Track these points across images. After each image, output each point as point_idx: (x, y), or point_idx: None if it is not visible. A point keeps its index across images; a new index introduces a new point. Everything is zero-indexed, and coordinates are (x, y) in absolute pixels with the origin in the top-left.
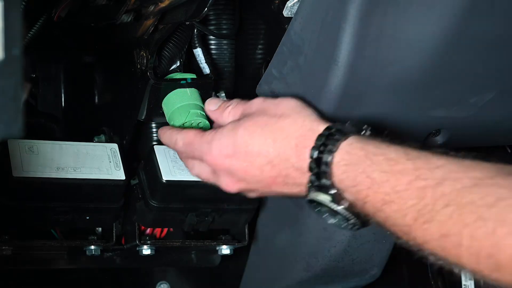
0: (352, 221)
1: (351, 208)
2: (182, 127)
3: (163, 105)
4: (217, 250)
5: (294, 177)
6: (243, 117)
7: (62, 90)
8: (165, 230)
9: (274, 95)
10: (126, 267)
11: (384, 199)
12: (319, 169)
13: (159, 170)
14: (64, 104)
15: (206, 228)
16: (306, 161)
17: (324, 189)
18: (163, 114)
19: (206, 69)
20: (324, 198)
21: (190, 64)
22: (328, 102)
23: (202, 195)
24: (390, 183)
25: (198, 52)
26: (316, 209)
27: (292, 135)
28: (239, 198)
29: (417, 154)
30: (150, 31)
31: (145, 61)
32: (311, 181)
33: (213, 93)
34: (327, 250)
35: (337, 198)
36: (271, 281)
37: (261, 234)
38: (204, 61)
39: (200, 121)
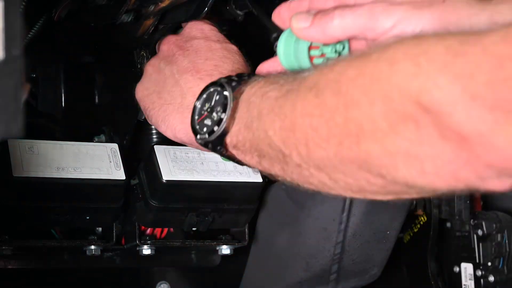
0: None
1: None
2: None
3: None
4: (217, 250)
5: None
6: None
7: (62, 90)
8: (165, 230)
9: None
10: (126, 267)
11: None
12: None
13: (159, 170)
14: (64, 104)
15: (206, 228)
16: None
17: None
18: None
19: None
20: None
21: None
22: None
23: (202, 195)
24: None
25: None
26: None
27: None
28: (239, 198)
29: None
30: (150, 31)
31: (145, 61)
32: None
33: None
34: (327, 250)
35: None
36: (271, 281)
37: (261, 234)
38: None
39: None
